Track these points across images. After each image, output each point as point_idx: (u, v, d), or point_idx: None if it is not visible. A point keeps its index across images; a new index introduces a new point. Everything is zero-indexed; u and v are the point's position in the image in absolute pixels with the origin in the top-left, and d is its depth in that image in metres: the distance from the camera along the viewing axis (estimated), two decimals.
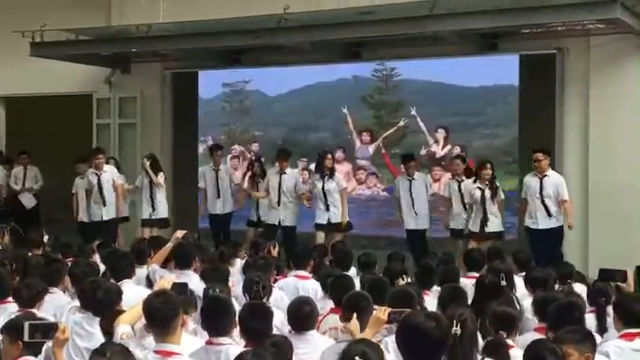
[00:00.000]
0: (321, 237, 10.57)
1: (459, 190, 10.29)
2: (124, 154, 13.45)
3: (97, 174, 11.29)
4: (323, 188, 10.60)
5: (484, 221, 9.72)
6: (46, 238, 9.45)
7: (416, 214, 10.59)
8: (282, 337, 4.44)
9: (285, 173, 10.99)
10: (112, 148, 13.58)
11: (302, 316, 5.00)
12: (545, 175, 9.59)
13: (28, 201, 13.50)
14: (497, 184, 9.90)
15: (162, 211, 11.42)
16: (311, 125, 13.08)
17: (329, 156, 10.76)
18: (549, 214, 9.55)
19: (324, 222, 10.64)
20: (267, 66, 12.87)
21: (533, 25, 10.57)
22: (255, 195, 11.25)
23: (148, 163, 11.32)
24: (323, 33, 10.93)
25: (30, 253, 8.18)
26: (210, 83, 13.58)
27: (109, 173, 11.44)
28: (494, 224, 9.79)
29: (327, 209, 10.60)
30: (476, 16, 10.00)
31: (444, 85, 12.09)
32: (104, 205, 11.25)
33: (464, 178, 10.33)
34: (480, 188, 9.83)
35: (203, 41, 11.83)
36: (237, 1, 11.79)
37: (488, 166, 9.89)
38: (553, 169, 10.14)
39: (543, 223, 9.58)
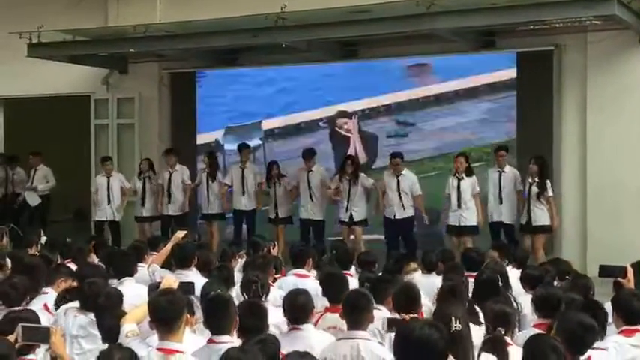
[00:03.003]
0: (344, 233, 11.22)
1: (458, 187, 10.56)
2: (122, 154, 13.47)
3: (170, 172, 12.16)
4: (349, 191, 11.09)
5: (529, 215, 10.23)
6: (44, 239, 9.46)
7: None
8: (269, 335, 4.45)
9: (311, 171, 11.49)
10: (110, 148, 13.60)
11: (297, 305, 5.02)
12: (401, 174, 10.85)
13: (32, 199, 13.52)
14: (548, 181, 10.27)
15: (218, 206, 12.16)
16: (310, 125, 13.03)
17: (348, 162, 11.29)
18: (403, 207, 10.80)
19: (347, 219, 11.18)
20: (264, 65, 12.89)
21: (529, 22, 10.59)
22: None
23: (208, 162, 12.18)
24: (320, 32, 10.94)
25: (30, 252, 8.18)
26: (208, 83, 13.59)
27: (180, 173, 12.23)
28: (541, 218, 10.20)
29: (348, 208, 11.13)
30: (472, 13, 9.99)
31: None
32: (169, 202, 12.17)
33: (464, 176, 10.59)
34: (529, 183, 10.25)
35: (200, 41, 11.83)
36: (233, 1, 11.79)
37: (532, 161, 10.26)
38: (551, 166, 10.66)
39: (399, 213, 10.86)
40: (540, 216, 10.22)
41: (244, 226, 11.99)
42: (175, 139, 13.50)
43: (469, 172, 10.68)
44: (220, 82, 13.51)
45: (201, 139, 13.53)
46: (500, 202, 10.55)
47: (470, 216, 10.59)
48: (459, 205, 10.56)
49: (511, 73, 11.52)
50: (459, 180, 10.60)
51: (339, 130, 12.68)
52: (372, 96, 12.41)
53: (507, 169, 10.61)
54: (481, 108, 11.82)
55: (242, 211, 12.00)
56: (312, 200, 11.49)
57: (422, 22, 10.12)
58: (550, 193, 10.22)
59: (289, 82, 13.03)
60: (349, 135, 12.56)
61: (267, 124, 13.11)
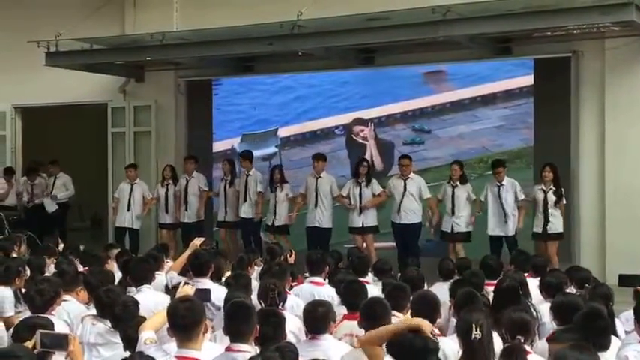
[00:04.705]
0: (357, 240, 11.06)
1: (452, 195, 10.69)
2: (139, 162, 13.49)
3: (187, 179, 12.24)
4: (360, 194, 10.98)
5: (546, 223, 10.23)
6: (61, 246, 9.49)
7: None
8: (288, 343, 4.44)
9: (320, 177, 11.35)
10: (127, 156, 13.64)
11: (317, 316, 5.01)
12: (409, 178, 10.83)
13: (49, 206, 13.57)
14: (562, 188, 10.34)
15: (233, 214, 12.12)
16: (327, 132, 13.02)
17: (365, 164, 11.24)
18: (411, 211, 10.82)
19: (359, 225, 11.05)
20: (281, 73, 12.92)
21: (547, 29, 10.54)
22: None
23: (228, 168, 12.16)
24: (336, 39, 10.93)
25: (48, 260, 8.21)
26: (224, 91, 13.62)
27: (197, 180, 12.29)
28: (557, 225, 10.24)
29: (360, 213, 11.04)
30: (488, 20, 9.97)
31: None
32: (186, 209, 12.22)
33: (458, 184, 10.73)
34: (543, 190, 10.25)
35: (216, 49, 11.86)
36: (250, 9, 11.83)
37: (547, 169, 10.27)
38: (568, 171, 10.69)
39: (405, 218, 10.80)
40: (556, 223, 10.25)
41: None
42: (192, 146, 13.53)
43: (463, 180, 10.76)
44: (237, 90, 13.55)
45: (218, 146, 13.55)
46: (504, 216, 10.44)
47: (462, 223, 10.68)
48: (453, 212, 10.68)
49: (528, 79, 11.48)
50: (454, 187, 10.72)
51: (355, 138, 12.67)
52: (389, 103, 12.41)
53: (505, 181, 10.53)
54: (498, 115, 11.78)
55: (244, 219, 11.95)
56: (319, 208, 11.30)
57: (438, 29, 10.08)
58: (564, 200, 10.32)
59: (305, 90, 13.05)
60: (365, 142, 12.54)
61: (284, 132, 13.12)
